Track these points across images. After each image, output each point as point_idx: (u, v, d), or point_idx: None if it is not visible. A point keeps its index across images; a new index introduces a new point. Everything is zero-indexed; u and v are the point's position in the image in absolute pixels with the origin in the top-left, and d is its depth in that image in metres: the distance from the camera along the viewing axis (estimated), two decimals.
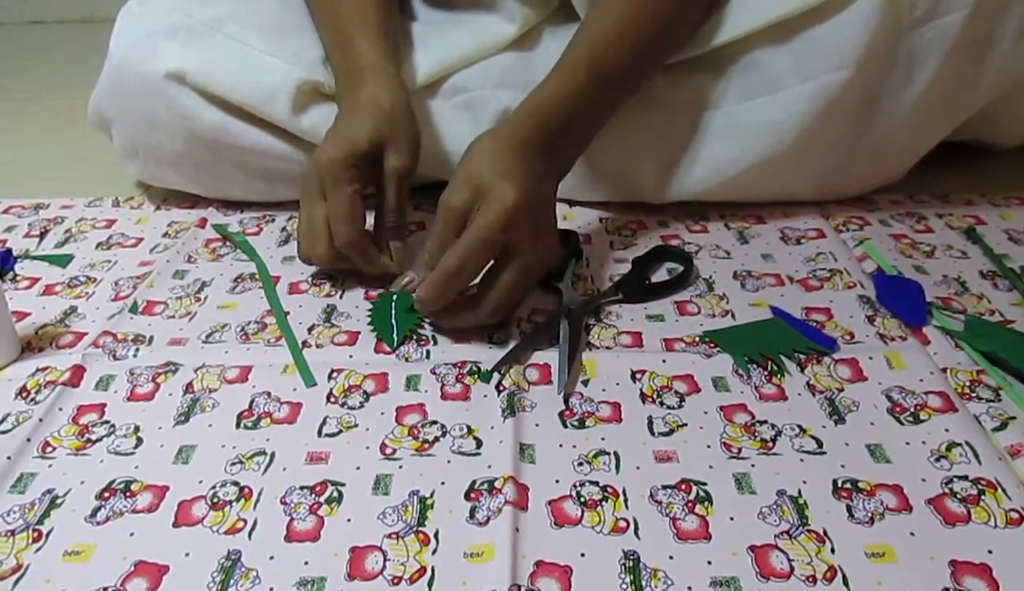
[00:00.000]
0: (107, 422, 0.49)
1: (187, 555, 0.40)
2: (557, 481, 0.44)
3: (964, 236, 0.69)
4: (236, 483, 0.44)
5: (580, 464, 0.45)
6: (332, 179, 0.57)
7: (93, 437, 0.48)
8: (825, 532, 0.40)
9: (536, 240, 0.53)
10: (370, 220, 0.62)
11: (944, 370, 0.52)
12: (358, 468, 0.45)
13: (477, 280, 0.54)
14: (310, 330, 0.57)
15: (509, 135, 0.55)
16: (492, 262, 0.53)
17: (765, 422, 0.48)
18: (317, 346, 0.56)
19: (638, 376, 0.52)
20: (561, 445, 0.46)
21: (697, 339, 0.55)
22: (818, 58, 0.64)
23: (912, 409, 0.48)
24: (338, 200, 0.57)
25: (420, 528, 0.41)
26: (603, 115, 0.62)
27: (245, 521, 0.42)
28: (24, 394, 0.51)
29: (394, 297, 0.58)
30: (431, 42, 0.73)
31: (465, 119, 0.72)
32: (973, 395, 0.49)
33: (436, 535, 0.41)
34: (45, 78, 1.27)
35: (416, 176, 0.73)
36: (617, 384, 0.51)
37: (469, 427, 0.48)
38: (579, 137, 0.60)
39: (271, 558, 0.40)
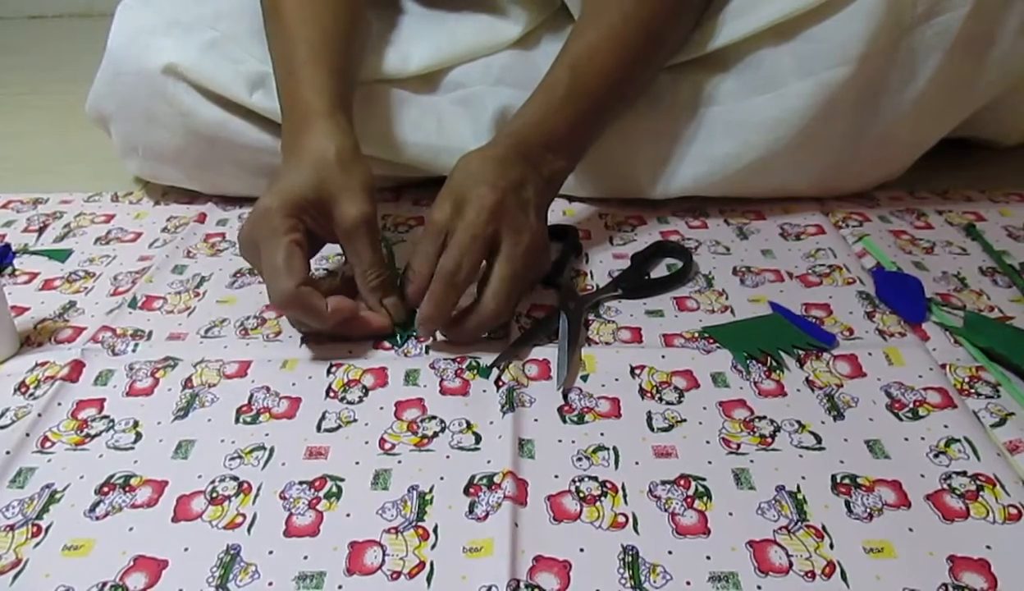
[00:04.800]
0: (106, 417, 0.49)
1: (186, 550, 0.40)
2: (556, 476, 0.44)
3: (964, 232, 0.69)
4: (235, 478, 0.44)
5: (579, 459, 0.45)
6: (267, 230, 0.51)
7: (92, 432, 0.48)
8: (824, 527, 0.40)
9: (518, 235, 0.53)
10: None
11: (943, 366, 0.52)
12: (357, 463, 0.45)
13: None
14: None
15: (490, 151, 0.56)
16: (485, 265, 0.53)
17: (764, 418, 0.48)
18: (316, 341, 0.55)
19: (637, 372, 0.52)
20: (560, 440, 0.46)
21: (696, 335, 0.55)
22: (819, 55, 0.64)
23: (911, 405, 0.48)
24: (271, 252, 0.50)
25: (419, 523, 0.41)
26: (590, 127, 0.62)
27: (244, 516, 0.42)
28: (23, 389, 0.51)
29: None
30: (432, 34, 0.73)
31: (463, 115, 0.72)
32: (972, 391, 0.49)
33: (435, 530, 0.41)
34: (44, 73, 1.27)
35: (412, 172, 0.74)
36: (616, 380, 0.51)
37: (468, 422, 0.48)
38: (565, 150, 0.60)
39: (270, 553, 0.40)
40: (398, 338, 0.55)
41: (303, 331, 0.56)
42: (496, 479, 0.43)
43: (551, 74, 0.61)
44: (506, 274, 0.52)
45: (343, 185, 0.53)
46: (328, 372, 0.52)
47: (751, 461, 0.45)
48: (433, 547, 0.40)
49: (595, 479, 0.44)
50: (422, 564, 0.39)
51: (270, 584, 0.38)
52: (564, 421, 0.48)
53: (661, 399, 0.49)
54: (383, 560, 0.39)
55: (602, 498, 0.42)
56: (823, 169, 0.70)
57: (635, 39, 0.61)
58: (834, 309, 0.58)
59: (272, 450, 0.46)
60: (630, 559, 0.39)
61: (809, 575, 0.38)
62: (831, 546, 0.39)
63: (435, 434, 0.47)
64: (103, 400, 0.50)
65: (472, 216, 0.52)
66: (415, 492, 0.43)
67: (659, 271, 0.64)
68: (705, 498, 0.42)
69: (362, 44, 0.68)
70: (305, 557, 0.39)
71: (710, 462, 0.45)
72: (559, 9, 0.74)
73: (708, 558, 0.39)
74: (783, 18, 0.64)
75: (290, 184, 0.52)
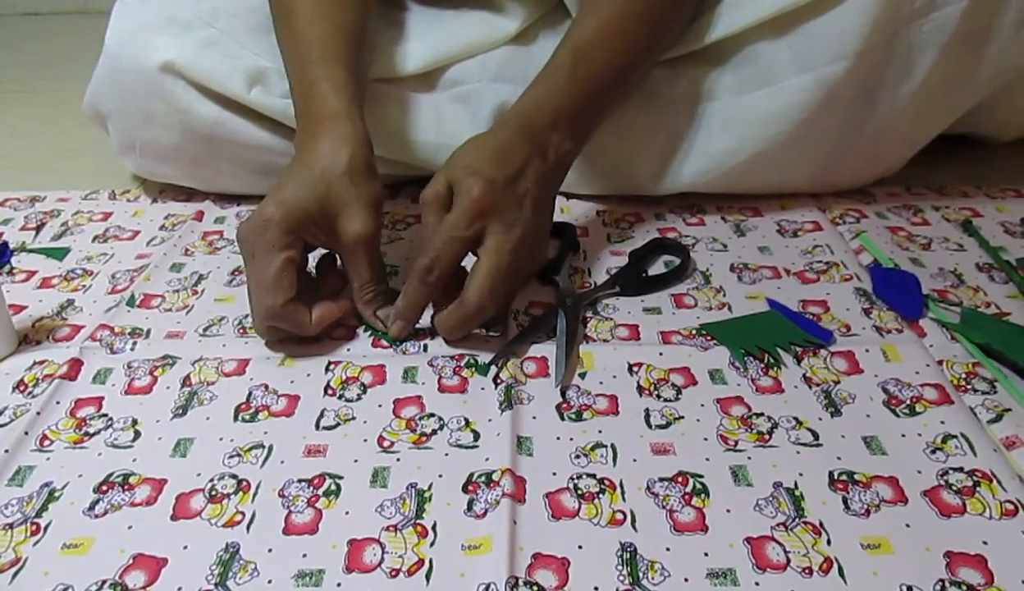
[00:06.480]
0: (105, 415, 0.49)
1: (185, 548, 0.40)
2: (554, 473, 0.44)
3: (960, 228, 0.69)
4: (234, 476, 0.44)
5: (577, 457, 0.45)
6: (264, 243, 0.51)
7: (91, 430, 0.48)
8: (821, 524, 0.40)
9: (508, 230, 0.52)
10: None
11: (940, 362, 0.52)
12: (356, 461, 0.45)
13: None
14: None
15: (492, 136, 0.56)
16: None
17: (762, 414, 0.48)
18: (314, 339, 0.56)
19: (635, 369, 0.52)
20: (558, 438, 0.47)
21: (694, 332, 0.55)
22: (817, 50, 0.64)
23: (908, 401, 0.49)
24: (264, 266, 0.51)
25: (418, 521, 0.41)
26: (594, 112, 0.62)
27: (243, 514, 0.42)
28: (21, 387, 0.51)
29: None
30: (429, 32, 0.73)
31: (461, 111, 0.72)
32: (969, 387, 0.50)
33: (434, 527, 0.41)
34: (40, 70, 1.26)
35: (410, 169, 0.74)
36: (614, 377, 0.51)
37: (467, 420, 0.48)
38: (570, 131, 0.59)
39: (269, 550, 0.40)
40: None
41: (273, 337, 0.55)
42: (494, 476, 0.44)
43: (554, 59, 0.60)
44: (491, 267, 0.51)
45: (349, 199, 0.53)
46: (326, 370, 0.52)
47: (749, 458, 0.45)
48: (432, 545, 0.40)
49: (593, 476, 0.44)
50: (421, 562, 0.39)
51: (269, 582, 0.38)
52: (562, 418, 0.48)
53: (659, 396, 0.50)
54: (382, 558, 0.39)
55: (600, 495, 0.42)
56: (820, 165, 0.71)
57: (635, 29, 0.62)
58: (831, 306, 0.58)
59: (271, 448, 0.46)
60: (628, 556, 0.39)
61: (807, 571, 0.38)
62: (828, 542, 0.39)
63: (434, 432, 0.47)
64: (101, 398, 0.50)
65: (455, 216, 0.51)
66: (414, 490, 0.43)
67: (657, 268, 0.64)
68: (703, 495, 0.42)
69: (372, 41, 0.68)
70: (304, 555, 0.39)
71: (708, 459, 0.45)
72: (556, 5, 0.74)
73: (706, 555, 0.39)
74: (780, 12, 0.65)
75: (295, 194, 0.52)
